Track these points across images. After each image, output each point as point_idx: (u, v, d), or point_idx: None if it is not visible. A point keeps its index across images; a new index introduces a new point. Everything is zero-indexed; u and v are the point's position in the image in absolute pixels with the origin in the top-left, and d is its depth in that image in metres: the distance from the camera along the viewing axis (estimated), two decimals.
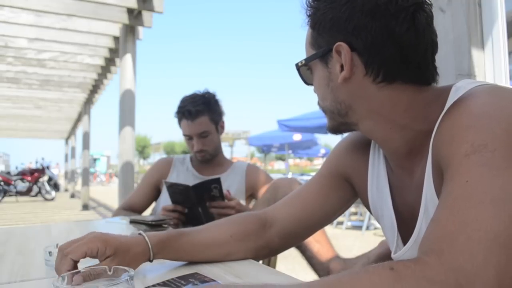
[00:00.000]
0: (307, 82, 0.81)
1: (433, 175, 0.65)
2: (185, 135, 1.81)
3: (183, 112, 1.78)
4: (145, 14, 4.54)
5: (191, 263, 0.87)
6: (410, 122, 0.69)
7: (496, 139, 0.53)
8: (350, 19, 0.67)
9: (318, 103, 0.80)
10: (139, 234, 0.82)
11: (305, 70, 0.79)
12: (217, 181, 1.46)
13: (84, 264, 0.70)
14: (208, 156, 1.82)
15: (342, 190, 0.91)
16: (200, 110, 1.76)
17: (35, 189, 12.28)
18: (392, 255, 0.79)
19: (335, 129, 0.80)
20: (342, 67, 0.70)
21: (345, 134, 0.97)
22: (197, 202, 1.49)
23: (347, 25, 0.67)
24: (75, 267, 0.72)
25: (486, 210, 0.48)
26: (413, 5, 0.66)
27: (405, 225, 0.77)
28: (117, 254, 0.74)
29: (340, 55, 0.70)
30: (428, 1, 0.69)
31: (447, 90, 0.67)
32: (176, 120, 1.86)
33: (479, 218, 0.48)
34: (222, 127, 1.89)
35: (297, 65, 0.79)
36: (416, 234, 0.71)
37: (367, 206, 0.87)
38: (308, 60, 0.76)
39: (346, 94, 0.72)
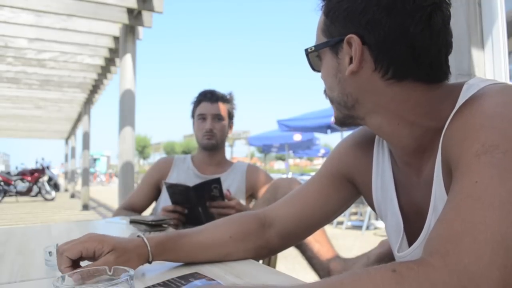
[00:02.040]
0: (314, 68, 0.79)
1: (443, 173, 0.64)
2: (200, 114, 1.85)
3: (205, 94, 1.88)
4: (145, 14, 4.53)
5: (191, 263, 0.86)
6: (419, 119, 0.68)
7: (508, 140, 0.52)
8: (365, 12, 0.66)
9: (325, 92, 0.78)
10: (138, 236, 0.82)
11: (314, 56, 0.77)
12: (217, 181, 1.46)
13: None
14: (214, 141, 1.84)
15: (344, 190, 0.90)
16: (223, 97, 1.88)
17: (35, 189, 12.27)
18: (397, 254, 0.78)
19: (341, 122, 0.77)
20: (351, 59, 0.69)
21: (345, 134, 0.97)
22: (197, 202, 1.49)
23: (361, 18, 0.66)
24: (75, 265, 0.72)
25: (494, 212, 0.47)
26: (431, 5, 0.64)
27: (411, 224, 0.76)
28: (116, 250, 0.74)
29: (350, 47, 0.68)
30: (447, 1, 0.67)
31: (458, 87, 0.66)
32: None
33: (486, 220, 0.47)
34: (231, 128, 1.93)
35: (306, 50, 0.76)
36: (425, 233, 0.69)
37: (371, 205, 0.86)
38: (318, 47, 0.74)
39: (353, 87, 0.70)
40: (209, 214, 1.50)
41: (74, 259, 0.72)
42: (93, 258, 0.74)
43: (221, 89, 1.92)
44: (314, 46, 0.75)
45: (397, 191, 0.78)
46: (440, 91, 0.68)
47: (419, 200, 0.72)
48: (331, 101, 0.77)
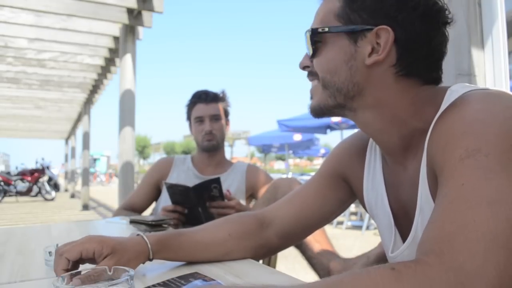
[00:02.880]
0: (314, 50, 0.75)
1: (428, 176, 0.66)
2: (197, 117, 1.85)
3: (199, 95, 1.86)
4: (145, 14, 4.54)
5: (191, 263, 0.87)
6: (410, 117, 0.71)
7: (489, 143, 0.54)
8: (400, 10, 0.68)
9: (312, 74, 0.77)
10: (138, 235, 0.83)
11: (318, 38, 0.74)
12: (217, 181, 1.46)
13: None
14: (215, 142, 1.83)
15: (341, 190, 0.92)
16: (217, 96, 1.87)
17: (35, 189, 12.26)
18: (390, 254, 0.79)
19: (324, 110, 0.76)
20: (372, 49, 0.70)
21: (345, 135, 0.98)
22: (197, 202, 1.49)
23: (397, 14, 0.68)
24: (73, 268, 0.72)
25: (483, 211, 0.49)
26: (447, 21, 0.71)
27: (401, 222, 0.78)
28: (115, 253, 0.74)
29: (377, 38, 0.69)
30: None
31: (442, 92, 0.69)
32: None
33: (476, 220, 0.48)
34: (228, 125, 1.93)
35: (315, 30, 0.74)
36: (413, 233, 0.71)
37: (363, 205, 0.88)
38: (333, 30, 0.72)
39: (364, 77, 0.71)
40: (209, 214, 1.50)
41: (73, 261, 0.72)
42: (92, 259, 0.73)
43: (221, 89, 1.92)
44: (328, 28, 0.73)
45: (387, 191, 0.80)
46: (428, 93, 0.71)
47: (406, 198, 0.74)
48: (328, 86, 0.74)
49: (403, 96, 0.70)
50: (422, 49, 0.69)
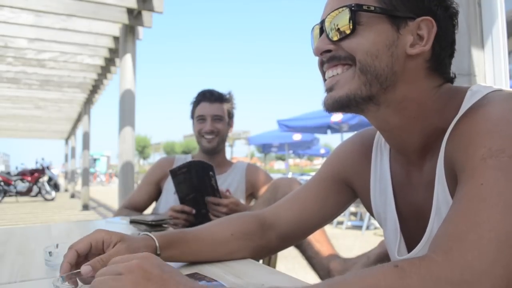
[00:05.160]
0: (353, 29, 0.68)
1: (446, 176, 0.65)
2: (199, 115, 1.84)
3: (204, 93, 1.85)
4: (145, 14, 4.54)
5: (191, 263, 0.86)
6: (433, 115, 0.69)
7: None
8: (438, 6, 0.69)
9: (361, 59, 0.67)
10: (145, 234, 0.82)
11: (357, 16, 0.67)
12: (212, 168, 1.46)
13: None
14: (215, 142, 1.82)
15: (342, 193, 0.91)
16: (222, 97, 1.86)
17: (35, 189, 12.27)
18: (398, 257, 0.78)
19: (351, 102, 0.69)
20: (413, 40, 0.68)
21: (345, 136, 0.97)
22: (200, 187, 1.49)
23: (436, 9, 0.68)
24: (82, 263, 0.72)
25: (498, 212, 0.48)
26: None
27: (409, 226, 0.76)
28: (124, 241, 0.74)
29: (418, 29, 0.68)
30: None
31: (462, 92, 0.68)
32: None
33: (491, 220, 0.48)
34: (231, 127, 1.92)
35: (360, 6, 0.67)
36: (428, 234, 0.69)
37: (369, 210, 0.87)
38: (379, 11, 0.67)
39: (401, 67, 0.68)
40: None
41: (82, 255, 0.72)
42: (101, 250, 0.74)
43: (221, 89, 1.92)
44: (374, 7, 0.67)
45: (396, 194, 0.79)
46: (448, 92, 0.70)
47: (420, 201, 0.73)
48: (366, 70, 0.67)
49: (429, 93, 0.70)
50: (449, 47, 0.71)
